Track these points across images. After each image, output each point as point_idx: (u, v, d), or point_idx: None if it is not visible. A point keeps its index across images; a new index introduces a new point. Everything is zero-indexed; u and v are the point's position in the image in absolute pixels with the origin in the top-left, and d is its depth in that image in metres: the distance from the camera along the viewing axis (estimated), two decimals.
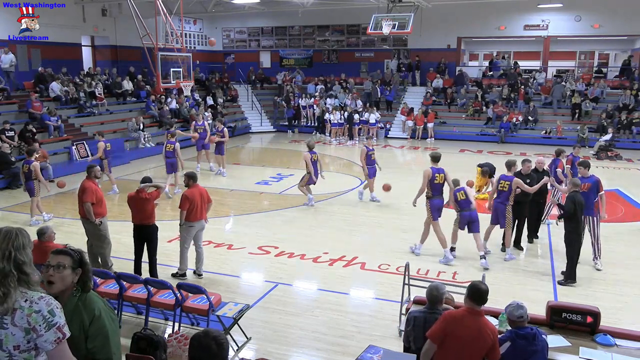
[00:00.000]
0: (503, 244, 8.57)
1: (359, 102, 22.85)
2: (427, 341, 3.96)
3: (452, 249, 8.44)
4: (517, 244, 8.78)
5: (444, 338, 3.85)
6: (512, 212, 8.27)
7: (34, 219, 10.21)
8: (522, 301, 4.15)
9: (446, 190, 8.39)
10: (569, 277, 7.39)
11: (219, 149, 14.50)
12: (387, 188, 11.46)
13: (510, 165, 8.30)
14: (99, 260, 7.43)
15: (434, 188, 8.23)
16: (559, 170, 9.98)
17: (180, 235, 7.59)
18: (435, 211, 8.28)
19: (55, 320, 2.40)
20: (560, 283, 7.42)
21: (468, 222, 8.16)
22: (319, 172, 11.30)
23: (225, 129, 15.12)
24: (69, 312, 2.67)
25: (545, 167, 9.36)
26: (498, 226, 8.44)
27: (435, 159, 8.45)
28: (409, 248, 8.73)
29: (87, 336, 2.72)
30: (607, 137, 18.85)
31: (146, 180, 7.38)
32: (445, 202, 8.46)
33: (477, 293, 3.87)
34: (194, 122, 15.27)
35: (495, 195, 8.36)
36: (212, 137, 14.59)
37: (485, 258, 8.07)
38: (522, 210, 8.59)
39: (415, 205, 8.71)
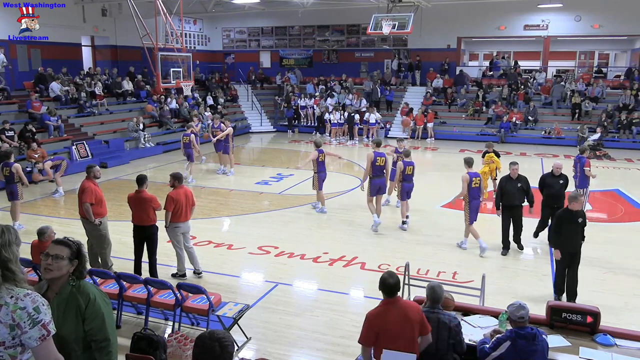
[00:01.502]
0: (504, 247, 8.60)
1: (363, 102, 22.81)
2: (361, 347, 4.06)
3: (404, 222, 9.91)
4: (518, 243, 8.75)
5: (377, 337, 3.96)
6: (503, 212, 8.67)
7: (16, 222, 9.78)
8: (523, 300, 4.15)
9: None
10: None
11: (224, 147, 14.51)
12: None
13: (471, 162, 8.71)
14: (99, 260, 7.43)
15: (375, 169, 9.48)
16: (586, 168, 9.89)
17: (169, 237, 7.58)
18: (373, 189, 9.57)
19: (40, 318, 2.42)
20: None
21: (407, 191, 9.74)
22: (326, 171, 10.94)
23: (227, 127, 15.08)
24: (64, 299, 2.80)
25: (563, 170, 8.79)
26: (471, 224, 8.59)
27: (378, 144, 9.95)
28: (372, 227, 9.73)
29: (84, 319, 2.82)
30: (596, 136, 18.88)
31: (142, 178, 7.36)
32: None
33: (384, 286, 4.02)
34: (210, 124, 15.14)
35: (467, 194, 8.41)
36: (218, 133, 14.45)
37: (406, 223, 9.72)
38: (518, 212, 8.57)
39: (362, 190, 10.02)
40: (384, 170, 9.64)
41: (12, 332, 2.38)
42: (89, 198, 7.19)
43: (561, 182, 8.59)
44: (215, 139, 14.44)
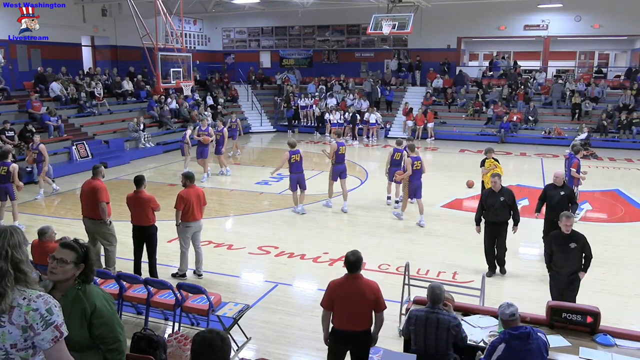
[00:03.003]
0: (489, 268, 7.84)
1: (365, 103, 22.78)
2: (322, 310, 4.61)
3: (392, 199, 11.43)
4: (501, 266, 7.89)
5: (333, 303, 4.49)
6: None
7: (16, 222, 9.76)
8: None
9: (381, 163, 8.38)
10: None
11: (217, 149, 14.41)
12: (470, 184, 11.51)
13: (412, 148, 10.19)
14: (103, 259, 7.42)
15: (337, 157, 10.94)
16: (572, 169, 9.80)
17: (178, 235, 7.58)
18: (335, 174, 11.02)
19: (52, 319, 2.41)
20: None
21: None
22: (302, 172, 10.73)
23: (225, 129, 14.98)
24: (69, 301, 2.83)
25: (566, 178, 8.30)
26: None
27: (339, 135, 11.81)
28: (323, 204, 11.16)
29: (90, 324, 2.86)
30: (583, 136, 18.89)
31: (140, 179, 7.36)
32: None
33: (348, 263, 4.50)
34: (197, 127, 14.70)
35: (410, 174, 9.90)
36: (205, 138, 13.98)
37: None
38: (501, 230, 7.72)
39: (326, 154, 11.57)
40: (345, 158, 11.32)
41: (25, 334, 2.37)
42: (106, 197, 7.23)
43: (562, 193, 7.75)
44: (208, 140, 14.04)
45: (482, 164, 10.38)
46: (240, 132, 18.04)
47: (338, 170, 11.06)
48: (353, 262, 4.48)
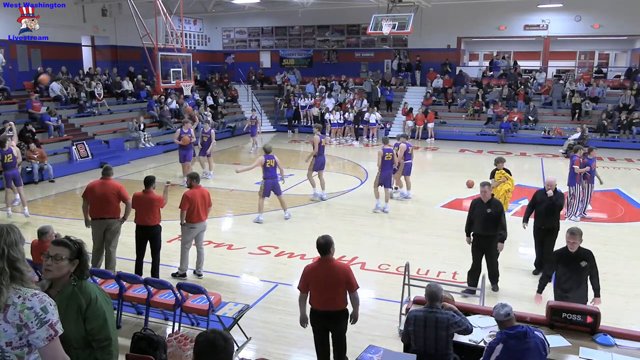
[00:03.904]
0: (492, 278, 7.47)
1: (365, 102, 22.77)
2: (299, 293, 4.91)
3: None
4: (493, 283, 7.27)
5: (309, 285, 4.82)
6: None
7: (25, 208, 10.30)
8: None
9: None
10: None
11: (202, 150, 14.11)
12: (470, 184, 11.74)
13: (385, 141, 11.10)
14: (104, 260, 7.42)
15: (320, 149, 11.77)
16: (575, 167, 9.76)
17: (181, 235, 7.59)
18: (317, 165, 11.83)
19: (47, 318, 2.42)
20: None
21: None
22: (279, 177, 10.39)
23: (213, 131, 14.57)
24: (65, 298, 2.84)
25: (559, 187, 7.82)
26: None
27: (319, 129, 12.63)
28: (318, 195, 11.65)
29: (84, 318, 2.87)
30: (576, 135, 18.88)
31: (150, 179, 7.35)
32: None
33: (319, 246, 4.81)
34: (179, 130, 13.90)
35: (381, 166, 10.66)
36: (185, 139, 13.39)
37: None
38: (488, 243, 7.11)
39: (306, 162, 12.05)
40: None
41: (20, 332, 2.38)
42: (129, 196, 7.23)
43: (551, 199, 7.40)
44: (187, 142, 13.49)
45: (492, 175, 9.58)
46: (259, 129, 19.24)
47: (320, 162, 11.88)
48: (323, 244, 4.78)
